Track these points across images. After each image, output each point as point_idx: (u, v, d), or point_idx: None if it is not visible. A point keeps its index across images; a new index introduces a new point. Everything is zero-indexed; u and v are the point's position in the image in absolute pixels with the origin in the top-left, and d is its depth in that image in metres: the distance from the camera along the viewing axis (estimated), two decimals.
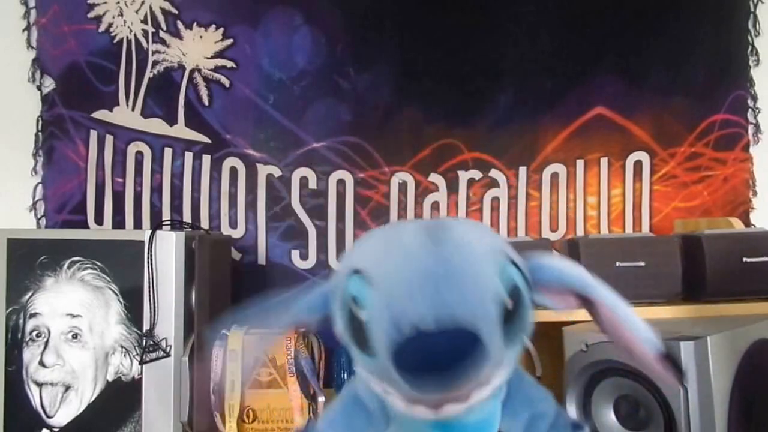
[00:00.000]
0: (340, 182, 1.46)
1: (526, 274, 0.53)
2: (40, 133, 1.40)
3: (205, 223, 1.42)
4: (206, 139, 1.43)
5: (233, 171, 1.44)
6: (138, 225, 1.41)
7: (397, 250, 0.50)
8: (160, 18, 1.43)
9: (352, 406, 0.60)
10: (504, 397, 0.60)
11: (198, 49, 1.43)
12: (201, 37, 1.44)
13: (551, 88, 1.50)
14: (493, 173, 1.49)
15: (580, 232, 1.49)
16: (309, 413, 1.07)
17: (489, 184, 1.49)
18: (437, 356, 0.45)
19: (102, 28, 1.42)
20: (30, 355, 1.06)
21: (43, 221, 1.40)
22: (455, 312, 0.46)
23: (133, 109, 1.42)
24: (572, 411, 0.97)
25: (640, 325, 0.56)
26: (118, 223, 1.41)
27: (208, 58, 1.44)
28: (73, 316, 1.06)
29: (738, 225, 1.34)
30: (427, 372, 0.45)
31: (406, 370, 0.45)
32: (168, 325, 1.03)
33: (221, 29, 1.44)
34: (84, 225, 1.39)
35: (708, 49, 1.52)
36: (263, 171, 1.45)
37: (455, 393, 0.48)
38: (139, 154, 1.42)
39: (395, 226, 0.56)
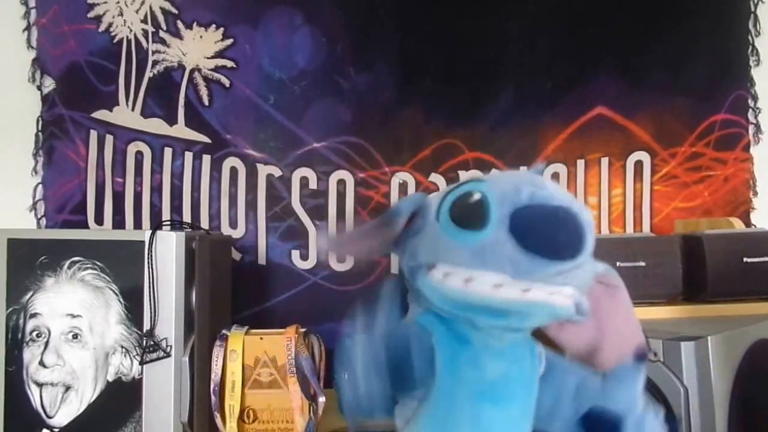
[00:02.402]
0: (341, 182, 1.46)
1: None
2: (40, 133, 1.40)
3: (205, 223, 1.42)
4: (206, 139, 1.43)
5: (233, 171, 1.44)
6: (138, 225, 1.41)
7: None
8: (160, 18, 1.43)
9: (414, 332, 0.60)
10: (545, 371, 0.61)
11: (198, 49, 1.43)
12: (201, 37, 1.44)
13: (552, 88, 1.49)
14: (495, 173, 1.49)
15: None
16: (309, 413, 1.07)
17: None
18: (549, 228, 0.53)
19: (102, 28, 1.41)
20: (30, 355, 1.06)
21: (44, 221, 1.40)
22: (567, 200, 0.55)
23: (133, 109, 1.42)
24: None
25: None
26: (118, 223, 1.41)
27: (208, 58, 1.44)
28: (74, 316, 1.06)
29: (738, 225, 1.34)
30: (540, 238, 0.52)
31: (522, 234, 0.52)
32: (168, 325, 1.03)
33: (221, 29, 1.44)
34: (84, 225, 1.39)
35: (708, 49, 1.52)
36: (263, 171, 1.45)
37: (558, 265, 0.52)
38: (139, 154, 1.42)
39: None
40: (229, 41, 1.44)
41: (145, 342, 1.02)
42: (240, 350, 1.09)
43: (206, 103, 1.43)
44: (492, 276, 0.53)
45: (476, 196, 0.55)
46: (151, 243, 1.04)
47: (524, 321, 0.55)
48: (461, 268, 0.54)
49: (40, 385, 1.06)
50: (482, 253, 0.53)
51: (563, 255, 0.53)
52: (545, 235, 0.52)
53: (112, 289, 1.06)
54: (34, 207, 1.40)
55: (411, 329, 0.60)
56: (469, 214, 0.55)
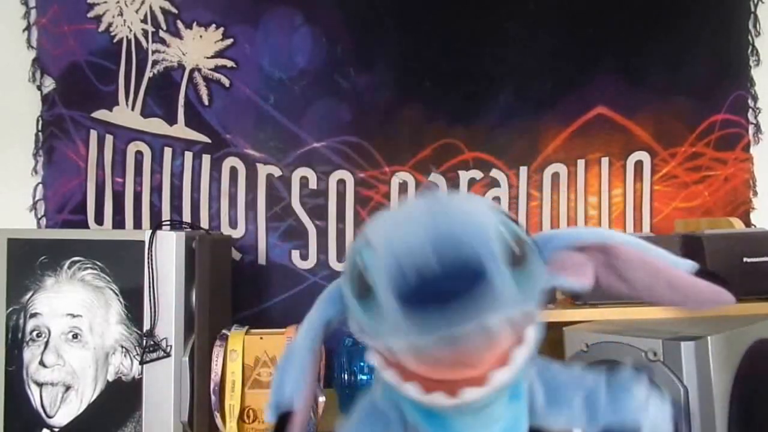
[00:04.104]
0: (341, 182, 1.46)
1: (536, 241, 0.51)
2: (40, 133, 1.40)
3: (205, 223, 1.42)
4: (206, 139, 1.43)
5: (233, 171, 1.44)
6: (138, 225, 1.41)
7: (399, 212, 0.50)
8: (160, 18, 1.43)
9: (370, 416, 0.58)
10: (545, 395, 0.56)
11: (198, 48, 1.43)
12: (201, 36, 1.44)
13: (552, 88, 1.49)
14: (494, 173, 1.49)
15: None
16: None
17: (490, 184, 1.49)
18: (441, 289, 0.43)
19: (102, 28, 1.42)
20: (30, 355, 1.06)
21: (44, 221, 1.40)
22: (460, 243, 0.44)
23: (132, 109, 1.42)
24: None
25: (667, 254, 0.55)
26: (118, 223, 1.41)
27: (208, 57, 1.44)
28: (74, 316, 1.06)
29: (738, 225, 1.34)
30: (430, 303, 0.43)
31: (409, 301, 0.43)
32: (168, 325, 1.03)
33: (221, 29, 1.44)
34: (84, 225, 1.39)
35: (708, 49, 1.52)
36: (263, 171, 1.45)
37: (465, 347, 0.44)
38: (139, 154, 1.42)
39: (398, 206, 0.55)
40: (229, 41, 1.44)
41: (145, 342, 1.03)
42: (240, 350, 1.09)
43: (206, 102, 1.43)
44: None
45: (367, 278, 0.47)
46: (151, 243, 1.04)
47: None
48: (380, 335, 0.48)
49: (40, 384, 1.06)
50: (381, 322, 0.46)
51: (458, 321, 0.43)
52: (435, 305, 0.43)
53: (112, 289, 1.06)
54: (34, 207, 1.40)
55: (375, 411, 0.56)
56: (362, 289, 0.48)
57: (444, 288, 0.43)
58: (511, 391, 0.52)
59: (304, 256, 1.45)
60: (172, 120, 1.43)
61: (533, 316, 0.47)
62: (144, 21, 1.42)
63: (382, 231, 0.48)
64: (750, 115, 1.53)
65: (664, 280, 0.54)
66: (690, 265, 0.53)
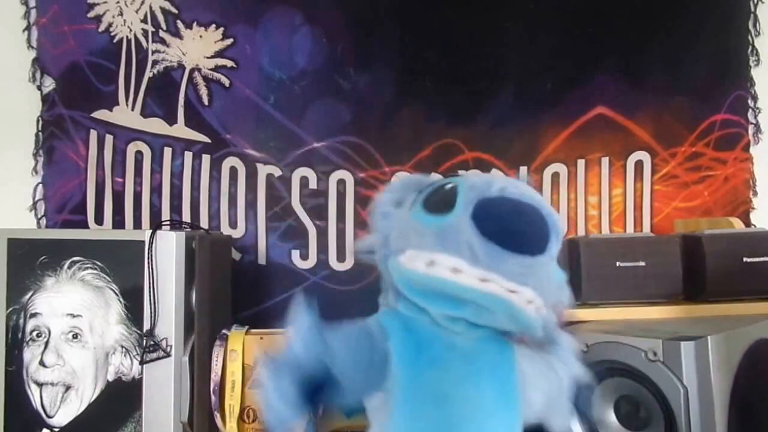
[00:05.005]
0: (341, 182, 1.46)
1: None
2: (40, 133, 1.40)
3: (204, 223, 1.42)
4: (206, 139, 1.43)
5: (233, 171, 1.44)
6: (138, 225, 1.41)
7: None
8: (160, 17, 1.43)
9: (361, 337, 0.60)
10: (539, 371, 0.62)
11: (198, 48, 1.43)
12: (201, 36, 1.44)
13: (552, 88, 1.49)
14: (494, 173, 1.48)
15: (581, 232, 1.49)
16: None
17: None
18: (513, 222, 0.54)
19: (102, 28, 1.41)
20: (30, 355, 1.06)
21: (44, 221, 1.40)
22: (535, 200, 0.57)
23: (132, 109, 1.42)
24: (572, 411, 0.97)
25: None
26: (118, 223, 1.41)
27: (208, 57, 1.43)
28: (74, 316, 1.06)
29: (738, 225, 1.34)
30: (502, 231, 0.53)
31: (486, 225, 0.53)
32: (168, 325, 1.03)
33: (221, 29, 1.44)
34: (84, 225, 1.39)
35: (708, 49, 1.52)
36: (263, 171, 1.45)
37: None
38: (139, 154, 1.42)
39: None
40: (229, 41, 1.44)
41: (145, 342, 1.02)
42: (240, 350, 1.09)
43: (206, 102, 1.43)
44: (452, 260, 0.53)
45: (448, 186, 0.58)
46: (151, 243, 1.04)
47: (481, 315, 0.55)
48: (425, 252, 0.55)
49: (40, 384, 1.06)
50: (444, 236, 0.54)
51: (522, 249, 0.53)
52: (505, 227, 0.53)
53: (112, 289, 1.06)
54: (34, 207, 1.40)
55: (362, 332, 0.59)
56: (438, 201, 0.57)
57: (514, 220, 0.53)
58: (504, 349, 0.59)
59: (304, 256, 1.45)
60: (172, 120, 1.43)
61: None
62: (144, 21, 1.42)
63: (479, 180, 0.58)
64: (750, 115, 1.53)
65: None
66: None
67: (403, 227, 0.59)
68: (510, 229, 0.53)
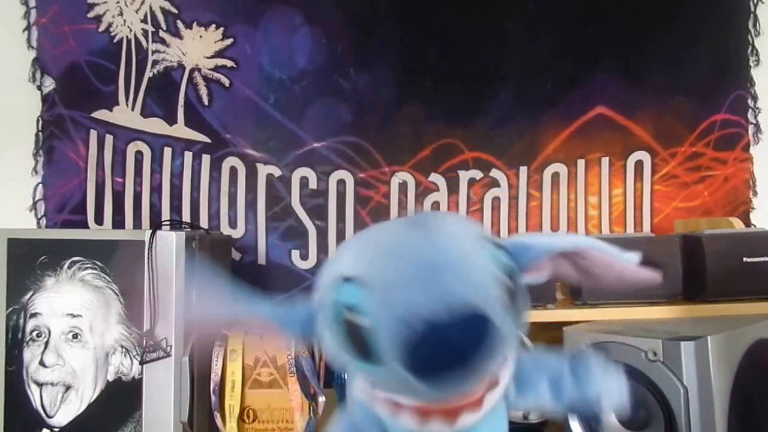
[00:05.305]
0: (341, 182, 1.46)
1: (513, 256, 0.52)
2: (40, 133, 1.40)
3: (204, 223, 1.42)
4: (206, 139, 1.43)
5: (233, 171, 1.44)
6: (138, 225, 1.41)
7: (389, 248, 0.48)
8: (160, 17, 1.43)
9: None
10: (514, 381, 0.58)
11: (198, 48, 1.43)
12: (201, 36, 1.44)
13: (551, 87, 1.49)
14: (494, 173, 1.48)
15: (581, 232, 1.49)
16: (309, 413, 1.07)
17: (489, 184, 1.49)
18: (453, 349, 0.43)
19: (102, 28, 1.41)
20: (30, 355, 1.06)
21: (44, 221, 1.40)
22: (465, 297, 0.43)
23: (132, 109, 1.42)
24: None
25: (620, 252, 0.60)
26: (118, 223, 1.41)
27: (208, 57, 1.44)
28: (74, 316, 1.06)
29: (738, 225, 1.34)
30: (444, 367, 0.43)
31: (422, 368, 0.43)
32: (168, 325, 1.03)
33: (221, 29, 1.44)
34: (84, 225, 1.39)
35: (708, 49, 1.52)
36: (263, 171, 1.45)
37: (473, 390, 0.47)
38: (139, 154, 1.42)
39: (375, 228, 0.53)
40: (229, 41, 1.44)
41: (145, 342, 1.02)
42: (240, 350, 1.09)
43: (206, 102, 1.43)
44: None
45: (363, 323, 0.45)
46: (151, 243, 1.04)
47: None
48: (384, 389, 0.49)
49: (40, 384, 1.06)
50: (391, 381, 0.46)
51: (470, 380, 0.45)
52: (448, 366, 0.43)
53: (112, 289, 1.06)
54: (34, 207, 1.40)
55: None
56: (359, 349, 0.46)
57: (455, 341, 0.42)
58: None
59: (304, 256, 1.45)
60: (172, 120, 1.43)
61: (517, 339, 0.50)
62: (144, 21, 1.42)
63: (376, 271, 0.47)
64: (750, 115, 1.53)
65: (615, 272, 0.60)
66: (633, 258, 0.59)
67: (333, 347, 0.50)
68: (449, 357, 0.43)
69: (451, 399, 0.46)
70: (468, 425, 0.48)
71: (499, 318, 0.44)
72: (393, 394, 0.48)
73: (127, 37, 1.42)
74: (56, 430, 1.05)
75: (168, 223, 1.39)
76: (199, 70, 1.43)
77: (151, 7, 1.42)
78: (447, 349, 0.43)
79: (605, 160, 1.51)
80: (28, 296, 1.07)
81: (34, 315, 1.06)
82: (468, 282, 0.45)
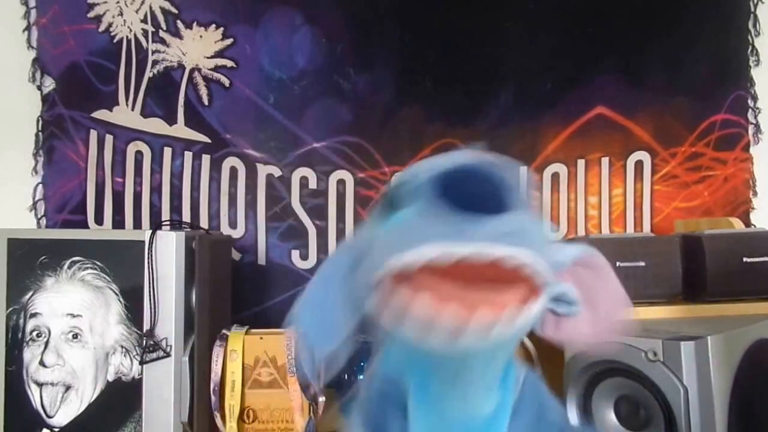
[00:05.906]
0: (341, 182, 1.46)
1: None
2: (40, 133, 1.40)
3: (204, 223, 1.42)
4: (206, 139, 1.43)
5: (233, 171, 1.44)
6: (138, 225, 1.41)
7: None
8: (160, 17, 1.43)
9: (380, 399, 0.58)
10: (516, 399, 0.58)
11: (198, 48, 1.43)
12: (201, 36, 1.44)
13: (551, 88, 1.49)
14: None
15: (581, 232, 1.50)
16: (309, 413, 1.07)
17: None
18: (484, 177, 0.47)
19: (102, 28, 1.41)
20: (30, 355, 1.06)
21: (44, 221, 1.40)
22: (494, 165, 0.49)
23: (132, 109, 1.42)
24: (572, 411, 0.97)
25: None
26: (118, 223, 1.41)
27: (208, 57, 1.44)
28: (74, 316, 1.06)
29: (738, 225, 1.34)
30: (476, 191, 0.47)
31: (456, 195, 0.46)
32: (168, 325, 1.03)
33: (221, 29, 1.44)
34: (84, 225, 1.39)
35: (708, 49, 1.52)
36: (263, 171, 1.45)
37: (494, 234, 0.46)
38: (139, 154, 1.42)
39: None
40: (229, 41, 1.44)
41: (145, 342, 1.02)
42: (240, 350, 1.09)
43: (206, 102, 1.43)
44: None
45: (392, 183, 0.53)
46: (151, 243, 1.04)
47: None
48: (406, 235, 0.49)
49: (40, 384, 1.06)
50: (413, 226, 0.48)
51: (484, 208, 0.46)
52: (459, 192, 0.47)
53: (112, 289, 1.06)
54: (34, 207, 1.40)
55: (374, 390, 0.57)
56: (391, 202, 0.52)
57: (484, 176, 0.47)
58: (501, 376, 0.55)
59: (304, 256, 1.45)
60: (172, 120, 1.43)
61: (547, 277, 0.48)
62: (144, 21, 1.42)
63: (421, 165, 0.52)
64: (750, 115, 1.54)
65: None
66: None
67: (374, 249, 0.51)
68: (462, 193, 0.47)
69: (483, 236, 0.45)
70: (480, 329, 0.45)
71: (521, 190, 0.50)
72: (419, 253, 0.46)
73: (127, 37, 1.42)
74: (56, 430, 1.05)
75: (168, 223, 1.39)
76: (199, 70, 1.43)
77: (151, 7, 1.42)
78: (477, 179, 0.48)
79: (605, 160, 1.51)
80: (28, 296, 1.06)
81: (34, 315, 1.06)
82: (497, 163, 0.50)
